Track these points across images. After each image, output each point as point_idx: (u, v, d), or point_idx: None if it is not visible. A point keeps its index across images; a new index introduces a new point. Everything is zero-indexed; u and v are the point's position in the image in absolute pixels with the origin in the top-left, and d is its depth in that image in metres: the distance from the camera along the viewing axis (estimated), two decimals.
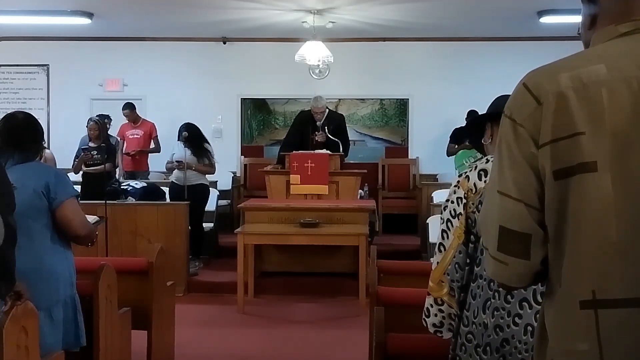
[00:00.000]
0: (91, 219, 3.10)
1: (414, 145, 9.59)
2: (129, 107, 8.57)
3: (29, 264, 2.73)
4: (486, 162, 2.12)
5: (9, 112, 3.08)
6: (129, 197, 6.81)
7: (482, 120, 2.30)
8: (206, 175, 7.17)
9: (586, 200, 1.23)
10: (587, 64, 1.27)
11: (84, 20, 8.05)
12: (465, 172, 2.15)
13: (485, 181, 2.07)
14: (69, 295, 2.91)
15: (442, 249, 2.13)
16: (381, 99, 11.47)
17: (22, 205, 2.76)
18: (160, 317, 4.08)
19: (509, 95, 2.34)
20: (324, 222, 5.96)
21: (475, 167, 2.13)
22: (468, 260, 2.08)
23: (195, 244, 6.81)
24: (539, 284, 1.49)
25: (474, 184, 2.09)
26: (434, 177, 9.20)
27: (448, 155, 8.22)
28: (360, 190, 7.20)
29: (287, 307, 5.91)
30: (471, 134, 2.40)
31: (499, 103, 2.29)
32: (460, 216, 2.09)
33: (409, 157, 9.58)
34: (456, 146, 7.72)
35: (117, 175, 7.67)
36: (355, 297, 5.64)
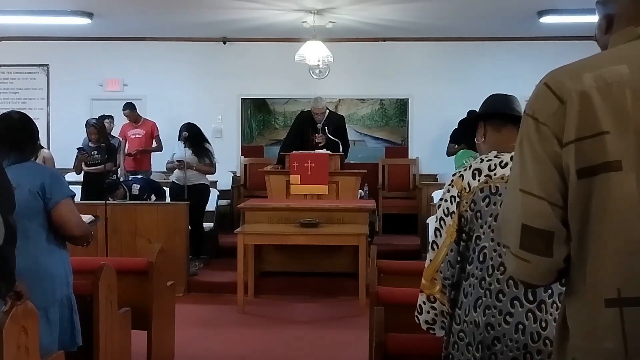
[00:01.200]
0: (86, 218, 3.09)
1: (414, 145, 9.59)
2: (130, 107, 8.57)
3: (24, 264, 2.72)
4: (480, 162, 2.13)
5: (4, 112, 3.07)
6: (133, 185, 6.79)
7: (475, 119, 2.30)
8: (206, 175, 7.18)
9: (610, 198, 1.23)
10: (609, 64, 1.28)
11: (84, 20, 8.05)
12: (460, 171, 2.16)
13: (479, 180, 2.08)
14: (65, 296, 2.91)
15: (435, 246, 2.15)
16: (381, 99, 11.47)
17: (17, 205, 2.76)
18: (160, 317, 4.08)
19: (501, 94, 2.36)
20: (324, 222, 5.96)
21: (470, 167, 2.14)
22: (459, 259, 2.09)
23: (195, 244, 6.81)
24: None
25: (468, 183, 2.10)
26: (434, 177, 9.20)
27: (448, 155, 8.21)
28: (360, 190, 7.20)
29: (287, 307, 5.91)
30: (463, 134, 2.41)
31: (491, 102, 2.30)
32: (453, 214, 2.10)
33: (409, 157, 9.58)
34: (456, 146, 7.71)
35: (118, 175, 7.67)
36: (355, 297, 5.64)
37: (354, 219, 6.12)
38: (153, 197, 6.94)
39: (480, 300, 2.00)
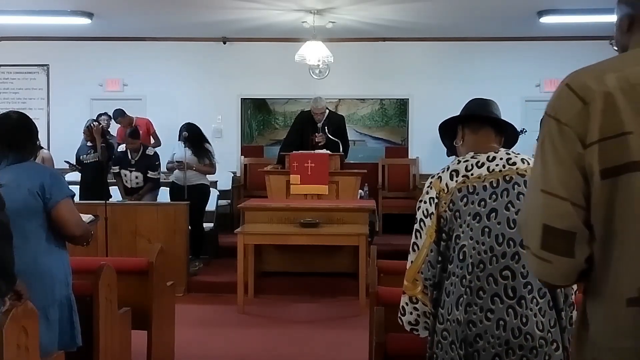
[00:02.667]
0: (86, 218, 3.09)
1: (414, 145, 9.59)
2: (120, 114, 8.39)
3: (24, 264, 2.72)
4: (457, 163, 2.17)
5: (3, 112, 3.07)
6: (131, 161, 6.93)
7: (454, 122, 2.34)
8: (206, 175, 7.18)
9: (634, 198, 1.23)
10: (632, 65, 1.29)
11: (84, 20, 8.05)
12: (437, 173, 2.21)
13: (456, 181, 2.13)
14: (64, 296, 2.91)
15: (415, 248, 2.20)
16: (381, 99, 11.46)
17: (17, 205, 2.76)
18: (160, 317, 4.08)
19: (482, 99, 2.42)
20: (324, 222, 5.96)
21: (447, 168, 2.19)
22: (440, 258, 2.11)
23: (195, 244, 6.81)
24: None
25: (446, 184, 2.14)
26: None
27: (448, 156, 8.20)
28: (360, 190, 7.20)
29: (287, 307, 5.91)
30: (443, 136, 2.45)
31: (471, 106, 2.34)
32: (432, 216, 2.14)
33: (409, 157, 9.58)
34: None
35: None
36: (355, 297, 5.64)
37: (354, 219, 6.12)
38: (149, 172, 7.00)
39: (461, 299, 2.02)
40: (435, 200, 2.14)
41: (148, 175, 7.02)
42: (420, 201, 2.20)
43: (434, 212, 2.13)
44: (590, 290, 1.35)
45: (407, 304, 2.22)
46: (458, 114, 2.38)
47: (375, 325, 2.79)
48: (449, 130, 2.39)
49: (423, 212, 2.17)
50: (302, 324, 5.51)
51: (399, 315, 2.26)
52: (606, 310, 1.29)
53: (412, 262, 2.20)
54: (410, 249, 2.21)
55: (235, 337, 5.10)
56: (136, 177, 7.02)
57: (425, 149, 9.37)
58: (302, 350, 4.84)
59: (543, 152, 1.33)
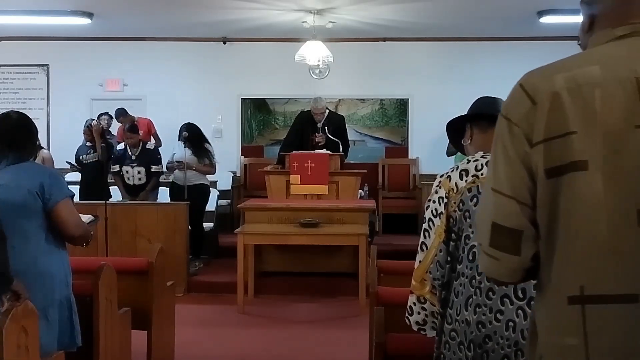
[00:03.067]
0: (85, 218, 3.09)
1: (414, 145, 9.59)
2: (122, 114, 8.38)
3: (24, 264, 2.73)
4: (467, 163, 2.16)
5: (3, 112, 3.07)
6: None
7: (462, 121, 2.33)
8: (206, 175, 7.18)
9: (577, 198, 1.26)
10: (582, 65, 1.30)
11: (84, 20, 8.05)
12: (447, 173, 2.20)
13: (466, 180, 2.11)
14: (64, 296, 2.91)
15: (424, 247, 2.18)
16: (381, 99, 11.47)
17: (16, 205, 2.76)
18: (160, 317, 4.08)
19: (489, 97, 2.41)
20: (324, 222, 5.96)
21: (457, 168, 2.18)
22: (449, 259, 2.11)
23: (195, 244, 6.81)
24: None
25: (455, 184, 2.13)
26: (434, 177, 9.01)
27: (448, 155, 8.21)
28: (360, 190, 7.20)
29: (287, 307, 5.91)
30: (451, 135, 2.44)
31: (479, 105, 2.33)
32: (441, 215, 2.13)
33: (409, 157, 9.58)
34: None
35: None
36: (355, 297, 5.64)
37: (354, 219, 6.12)
38: (152, 167, 6.98)
39: (470, 299, 2.01)
40: (445, 200, 2.13)
41: (152, 169, 6.99)
42: (429, 200, 2.19)
43: (443, 211, 2.12)
44: (538, 288, 1.38)
45: (414, 304, 2.22)
46: (460, 113, 2.37)
47: (375, 325, 2.79)
48: (456, 129, 2.38)
49: (432, 211, 2.16)
50: (302, 324, 5.51)
51: (406, 315, 2.25)
52: (550, 308, 1.31)
53: (420, 261, 2.18)
54: (419, 249, 2.20)
55: (235, 337, 5.10)
56: (139, 172, 6.98)
57: (425, 149, 9.38)
58: (302, 350, 4.84)
59: (495, 152, 1.36)
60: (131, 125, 7.22)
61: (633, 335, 1.23)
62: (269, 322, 5.52)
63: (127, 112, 8.46)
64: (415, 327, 2.25)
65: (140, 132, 8.57)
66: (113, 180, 7.21)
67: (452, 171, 2.18)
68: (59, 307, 2.87)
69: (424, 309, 2.20)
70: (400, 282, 3.40)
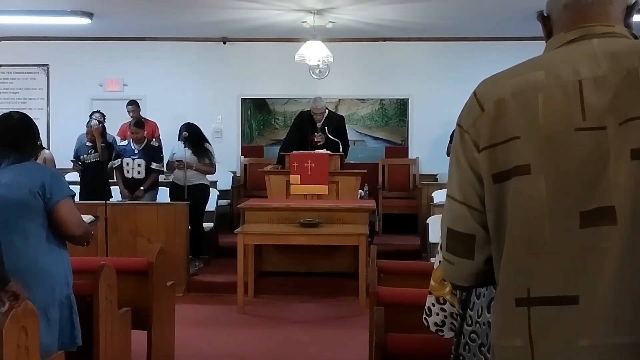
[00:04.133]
0: (86, 218, 3.10)
1: (414, 145, 9.59)
2: (135, 104, 8.38)
3: (24, 263, 2.73)
4: None
5: (4, 112, 3.08)
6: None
7: None
8: (206, 175, 7.17)
9: (521, 202, 1.27)
10: (529, 70, 1.32)
11: (84, 20, 8.05)
12: None
13: None
14: (64, 295, 2.91)
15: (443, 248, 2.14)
16: (381, 99, 11.47)
17: (17, 205, 2.77)
18: (160, 317, 4.08)
19: None
20: (324, 222, 5.96)
21: None
22: None
23: (195, 244, 6.80)
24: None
25: None
26: (434, 177, 9.20)
27: (448, 155, 8.21)
28: (360, 190, 7.20)
29: (287, 307, 5.91)
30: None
31: None
32: None
33: (409, 157, 9.58)
34: None
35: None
36: (355, 297, 5.64)
37: (354, 219, 6.11)
38: (153, 164, 6.97)
39: (493, 301, 1.99)
40: None
41: (152, 166, 6.97)
42: None
43: None
44: (495, 291, 1.39)
45: (433, 305, 2.19)
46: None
47: (375, 325, 2.79)
48: None
49: None
50: (302, 324, 5.51)
51: (424, 316, 2.23)
52: (499, 310, 1.33)
53: (439, 262, 2.17)
54: (439, 249, 2.19)
55: (235, 337, 5.10)
56: (139, 165, 6.94)
57: (425, 149, 9.38)
58: (302, 350, 4.84)
59: (450, 159, 1.40)
60: (138, 121, 7.24)
61: (574, 337, 1.24)
62: (269, 322, 5.52)
63: (139, 106, 8.47)
64: (433, 329, 2.23)
65: (144, 132, 8.58)
66: (114, 180, 7.20)
67: None
68: (60, 307, 2.88)
69: (443, 310, 2.17)
70: (400, 282, 3.41)
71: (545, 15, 1.45)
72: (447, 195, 1.38)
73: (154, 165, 6.96)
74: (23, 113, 3.09)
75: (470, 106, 1.36)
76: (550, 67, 1.31)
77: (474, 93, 1.37)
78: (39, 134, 3.09)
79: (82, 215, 3.03)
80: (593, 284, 1.23)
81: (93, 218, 3.25)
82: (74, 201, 2.97)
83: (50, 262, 2.87)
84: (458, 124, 1.37)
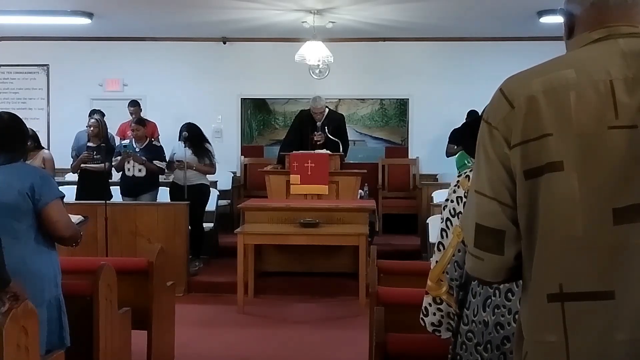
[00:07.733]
0: (75, 219, 3.09)
1: (414, 145, 9.59)
2: (136, 105, 8.41)
3: (13, 264, 2.72)
4: None
5: None
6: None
7: (478, 124, 2.31)
8: (206, 175, 7.17)
9: (553, 198, 1.29)
10: (558, 69, 1.35)
11: (84, 20, 8.05)
12: (466, 172, 2.17)
13: None
14: (53, 296, 2.91)
15: (441, 247, 2.15)
16: (381, 99, 11.47)
17: (6, 206, 2.77)
18: (160, 317, 4.08)
19: None
20: (324, 222, 5.96)
21: None
22: None
23: (195, 244, 6.80)
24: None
25: None
26: (434, 177, 9.20)
27: (447, 156, 8.21)
28: (360, 190, 7.20)
29: (287, 307, 5.91)
30: (465, 138, 2.43)
31: None
32: (459, 215, 2.10)
33: (409, 157, 9.58)
34: (455, 147, 7.72)
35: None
36: (355, 297, 5.64)
37: (354, 219, 6.12)
38: (157, 162, 6.93)
39: (489, 300, 1.99)
40: (463, 200, 2.12)
41: (154, 162, 6.92)
42: (447, 200, 2.18)
43: (462, 211, 2.11)
44: (522, 287, 1.41)
45: (430, 305, 2.19)
46: (460, 113, 2.37)
47: (375, 325, 2.79)
48: (470, 131, 2.37)
49: (450, 211, 2.15)
50: (302, 324, 5.51)
51: (421, 316, 2.23)
52: (531, 306, 1.34)
53: (436, 262, 2.16)
54: (435, 249, 2.19)
55: (235, 337, 5.10)
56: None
57: (425, 149, 9.38)
58: (302, 350, 4.84)
59: (477, 155, 1.40)
60: (139, 118, 7.22)
61: (611, 331, 1.26)
62: (269, 322, 5.52)
63: (140, 107, 8.47)
64: (430, 329, 2.23)
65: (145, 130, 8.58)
66: (114, 180, 7.19)
67: (470, 171, 2.16)
68: (48, 307, 2.87)
69: (440, 310, 2.17)
70: (400, 282, 3.41)
71: (568, 11, 1.48)
72: (475, 191, 1.39)
73: (157, 163, 6.91)
74: (13, 113, 3.08)
75: (497, 103, 1.37)
76: (580, 66, 1.33)
77: (501, 90, 1.38)
78: (29, 134, 3.09)
79: (71, 216, 3.03)
80: (629, 279, 1.26)
81: (82, 218, 3.23)
82: (63, 202, 2.97)
83: (40, 263, 2.87)
84: (485, 120, 1.39)
